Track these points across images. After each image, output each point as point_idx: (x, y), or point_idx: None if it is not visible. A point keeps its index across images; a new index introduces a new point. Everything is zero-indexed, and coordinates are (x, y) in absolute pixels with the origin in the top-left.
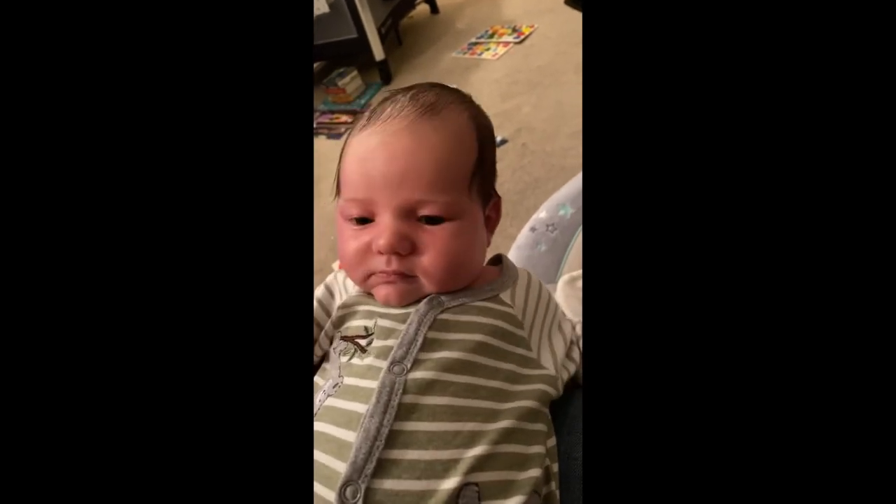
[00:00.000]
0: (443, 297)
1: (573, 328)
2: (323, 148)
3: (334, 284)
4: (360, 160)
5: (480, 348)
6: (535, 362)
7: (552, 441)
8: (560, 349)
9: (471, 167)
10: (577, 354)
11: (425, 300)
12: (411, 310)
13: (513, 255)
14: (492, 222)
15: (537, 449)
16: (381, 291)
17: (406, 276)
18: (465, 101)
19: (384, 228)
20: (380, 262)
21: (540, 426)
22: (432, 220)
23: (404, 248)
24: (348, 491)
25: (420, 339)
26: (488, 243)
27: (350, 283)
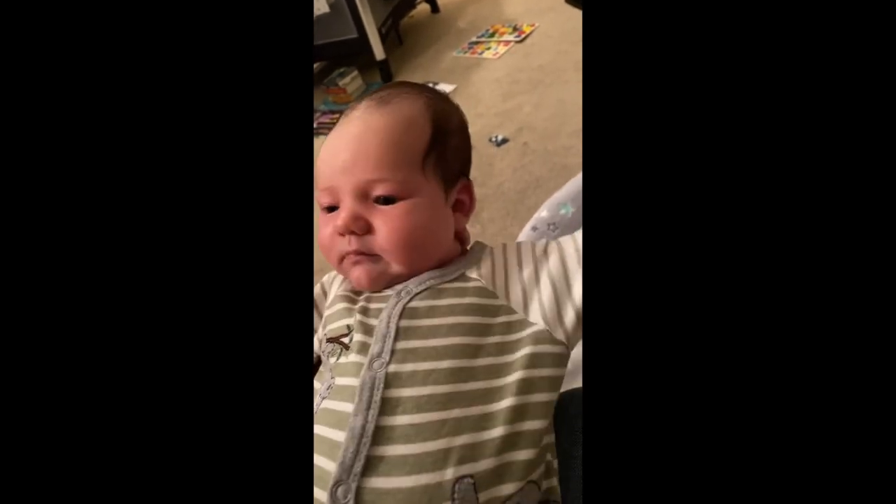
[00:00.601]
0: (410, 286)
1: (575, 247)
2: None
3: (327, 283)
4: (325, 154)
5: (457, 329)
6: (522, 323)
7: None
8: (547, 294)
9: (423, 148)
10: (576, 290)
11: (394, 293)
12: (383, 305)
13: None
14: (465, 206)
15: (534, 425)
16: (354, 274)
17: (370, 256)
18: (423, 92)
19: (342, 210)
20: (344, 244)
21: (540, 396)
22: (387, 201)
23: (359, 227)
24: (339, 491)
25: (392, 331)
26: (461, 226)
27: (335, 282)
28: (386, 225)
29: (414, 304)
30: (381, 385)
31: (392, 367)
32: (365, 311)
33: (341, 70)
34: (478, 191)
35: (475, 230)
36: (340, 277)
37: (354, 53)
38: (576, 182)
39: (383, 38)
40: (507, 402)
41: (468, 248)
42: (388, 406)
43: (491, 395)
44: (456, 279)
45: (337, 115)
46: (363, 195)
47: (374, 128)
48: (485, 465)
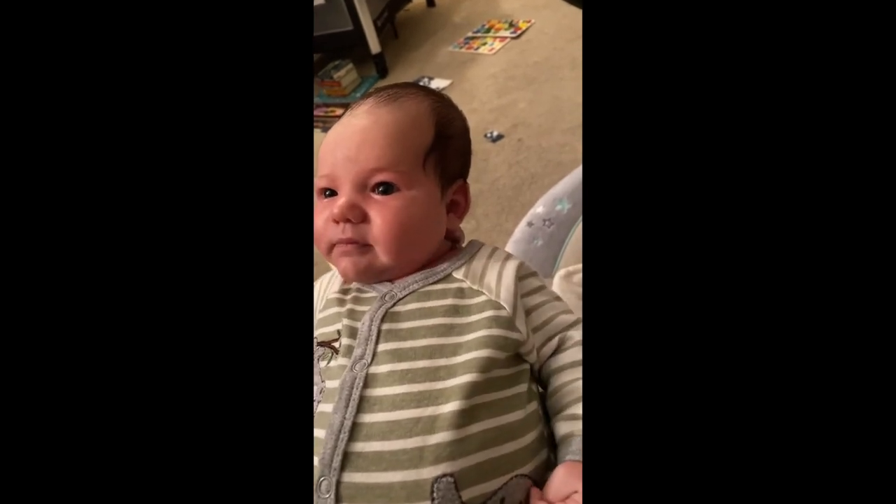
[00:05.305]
0: (395, 291)
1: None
2: (317, 141)
3: (325, 283)
4: (327, 144)
5: (436, 330)
6: (476, 292)
7: (533, 406)
8: (510, 271)
9: (425, 146)
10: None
11: (378, 295)
12: (367, 307)
13: (509, 250)
14: (459, 208)
15: (511, 417)
16: (341, 265)
17: (361, 247)
18: (430, 94)
19: (340, 198)
20: (337, 231)
21: (516, 389)
22: (385, 190)
23: (355, 215)
24: (323, 486)
25: (374, 335)
26: (453, 227)
27: (331, 285)
28: (381, 215)
29: (397, 308)
30: (361, 384)
31: (372, 369)
32: (351, 315)
33: (336, 63)
34: (472, 187)
35: (470, 225)
36: (335, 280)
37: (349, 46)
38: (572, 178)
39: (379, 32)
40: (480, 399)
41: (462, 245)
42: (365, 404)
43: (465, 391)
44: (441, 280)
45: (331, 109)
46: (362, 185)
47: (381, 122)
48: (463, 462)
